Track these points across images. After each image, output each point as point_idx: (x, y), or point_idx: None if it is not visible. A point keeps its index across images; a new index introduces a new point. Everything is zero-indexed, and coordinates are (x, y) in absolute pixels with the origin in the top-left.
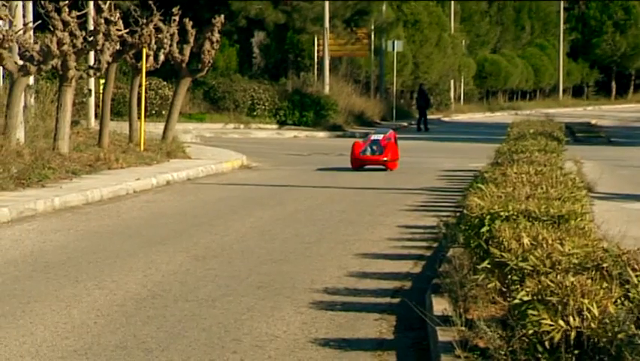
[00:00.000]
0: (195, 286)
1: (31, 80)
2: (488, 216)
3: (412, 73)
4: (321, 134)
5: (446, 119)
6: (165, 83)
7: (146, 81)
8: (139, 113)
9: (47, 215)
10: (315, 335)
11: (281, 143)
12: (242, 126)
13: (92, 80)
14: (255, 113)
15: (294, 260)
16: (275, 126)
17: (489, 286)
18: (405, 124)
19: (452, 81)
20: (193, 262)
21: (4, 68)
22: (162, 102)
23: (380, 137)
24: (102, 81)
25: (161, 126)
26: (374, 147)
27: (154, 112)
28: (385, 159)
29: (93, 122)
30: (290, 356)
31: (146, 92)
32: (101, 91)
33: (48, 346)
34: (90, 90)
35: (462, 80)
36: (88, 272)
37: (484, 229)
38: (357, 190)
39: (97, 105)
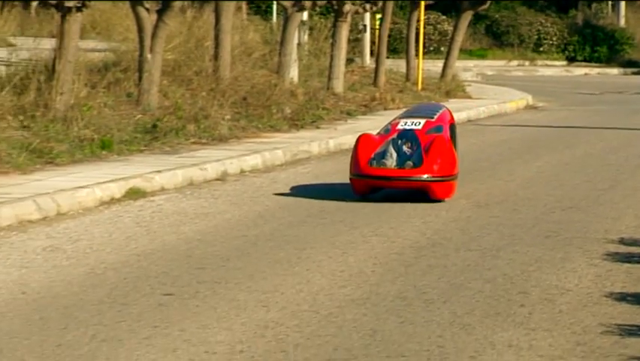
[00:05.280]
0: (477, 234)
1: (305, 15)
2: None
3: None
4: (615, 70)
5: None
6: (445, 17)
7: (424, 15)
8: (416, 50)
9: (321, 158)
10: (610, 288)
11: (569, 81)
12: (526, 63)
13: (367, 15)
14: (541, 49)
15: (586, 208)
16: (563, 63)
17: None
18: None
19: None
20: (475, 208)
21: (278, 4)
22: (441, 38)
23: (418, 124)
24: (378, 16)
25: (439, 64)
26: (404, 149)
27: (432, 49)
28: (427, 176)
29: (368, 60)
30: (582, 311)
31: (424, 28)
32: (377, 27)
33: (325, 294)
34: (365, 26)
35: None
36: (364, 218)
37: None
38: None
39: (372, 42)
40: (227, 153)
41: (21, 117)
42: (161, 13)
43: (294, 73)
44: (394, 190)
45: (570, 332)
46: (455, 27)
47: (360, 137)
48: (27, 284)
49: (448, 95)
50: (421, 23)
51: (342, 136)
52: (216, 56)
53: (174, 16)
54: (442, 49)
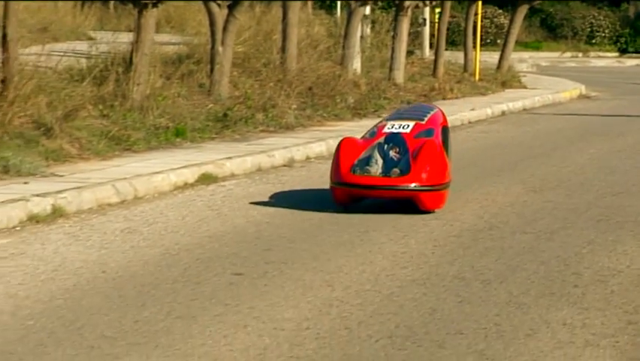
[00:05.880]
0: (532, 218)
1: (367, 10)
2: None
3: None
4: None
5: None
6: (501, 11)
7: (481, 9)
8: (474, 43)
9: None
10: None
11: (621, 72)
12: (580, 55)
13: (427, 9)
14: (593, 41)
15: (636, 193)
16: (615, 54)
17: None
18: None
19: None
20: (530, 193)
21: None
22: (497, 31)
23: (407, 127)
24: (437, 10)
25: (495, 56)
26: (391, 155)
27: (489, 41)
28: (414, 185)
29: (427, 52)
30: (634, 292)
31: (481, 21)
32: (436, 20)
33: (387, 275)
34: (425, 19)
35: None
36: None
37: None
38: None
39: (431, 35)
40: (294, 140)
41: (101, 107)
42: (231, 8)
43: (357, 64)
44: (380, 200)
45: (622, 312)
46: (511, 20)
47: (341, 141)
48: (106, 264)
49: (504, 85)
50: (479, 17)
51: None
52: (284, 49)
53: (244, 11)
54: (499, 41)
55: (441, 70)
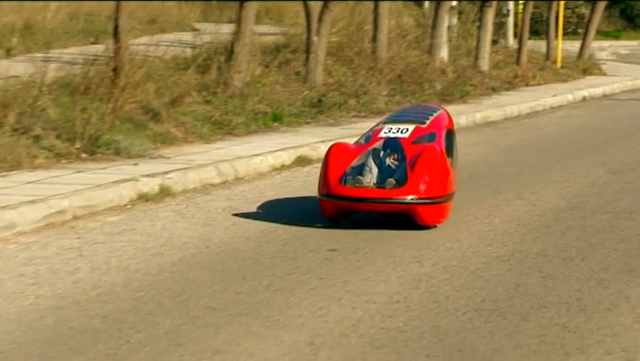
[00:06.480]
0: (612, 198)
1: (454, 1)
2: None
3: None
4: None
5: None
6: (582, 2)
7: (564, 1)
8: (556, 32)
9: (469, 129)
10: None
11: None
12: None
13: (510, 1)
14: None
15: None
16: None
17: None
18: None
19: None
20: (609, 175)
21: None
22: (579, 21)
23: (405, 132)
24: (521, 1)
25: (576, 44)
26: (388, 162)
27: (570, 30)
28: (411, 197)
29: (511, 41)
30: None
31: (563, 11)
32: (520, 11)
33: (473, 251)
34: (508, 10)
35: None
36: (508, 184)
37: None
38: None
39: (515, 25)
40: None
41: (204, 93)
42: (326, 0)
43: (444, 53)
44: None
45: None
46: (592, 11)
47: (331, 147)
48: (210, 239)
49: (585, 72)
50: (561, 7)
51: (488, 110)
52: (375, 38)
53: (338, 3)
54: (579, 31)
55: (524, 58)
